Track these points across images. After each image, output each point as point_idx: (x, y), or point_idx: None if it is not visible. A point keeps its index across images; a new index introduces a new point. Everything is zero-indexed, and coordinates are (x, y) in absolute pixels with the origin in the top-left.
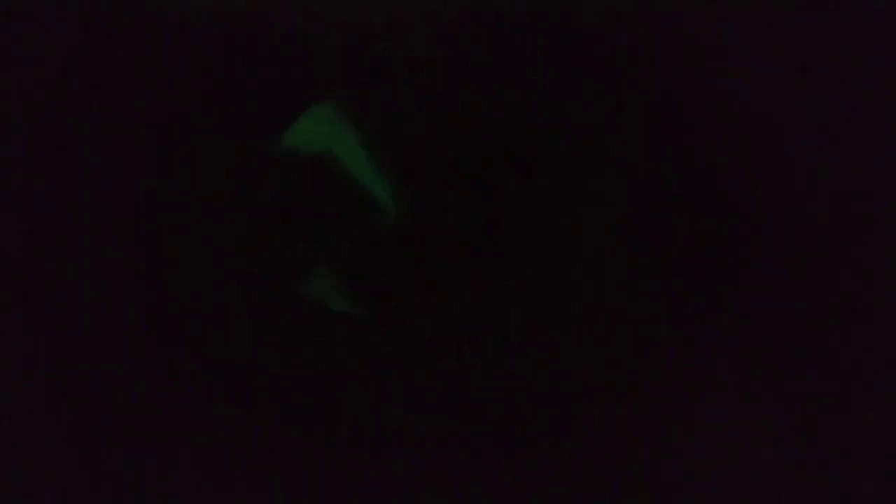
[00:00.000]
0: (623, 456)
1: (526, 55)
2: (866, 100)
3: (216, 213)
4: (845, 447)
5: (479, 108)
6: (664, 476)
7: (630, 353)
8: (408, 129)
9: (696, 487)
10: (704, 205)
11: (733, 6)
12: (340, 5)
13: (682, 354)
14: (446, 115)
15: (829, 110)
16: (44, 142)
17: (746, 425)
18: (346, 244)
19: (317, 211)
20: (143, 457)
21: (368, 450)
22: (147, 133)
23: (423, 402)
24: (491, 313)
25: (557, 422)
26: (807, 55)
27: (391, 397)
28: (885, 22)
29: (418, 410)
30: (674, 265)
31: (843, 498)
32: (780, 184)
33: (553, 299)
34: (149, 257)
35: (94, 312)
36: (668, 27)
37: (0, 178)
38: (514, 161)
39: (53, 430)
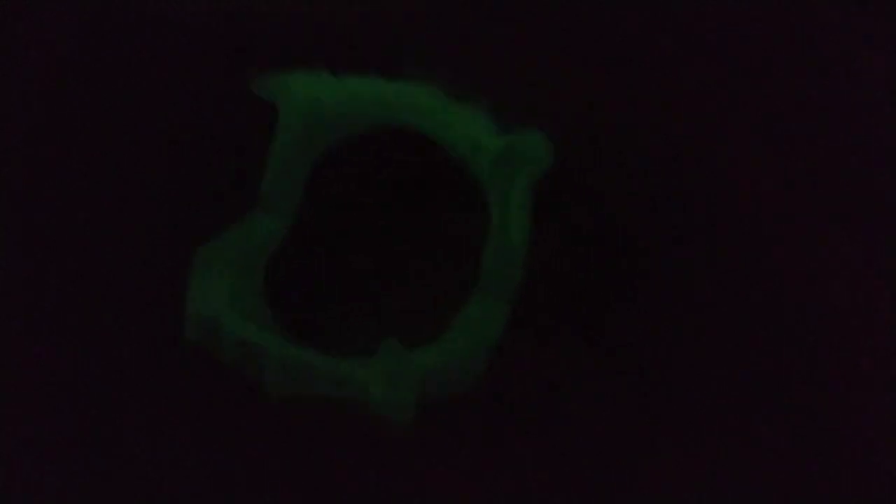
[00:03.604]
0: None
1: (526, 55)
2: (866, 100)
3: (217, 214)
4: (837, 452)
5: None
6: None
7: (624, 357)
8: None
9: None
10: (703, 204)
11: (733, 6)
12: (341, 5)
13: (682, 354)
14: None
15: (829, 110)
16: (44, 142)
17: (736, 434)
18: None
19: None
20: (143, 457)
21: (368, 450)
22: (148, 133)
23: (423, 403)
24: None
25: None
26: (807, 55)
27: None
28: (886, 21)
29: (419, 411)
30: (674, 264)
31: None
32: (779, 183)
33: (548, 299)
34: (149, 257)
35: (94, 312)
36: (669, 27)
37: (0, 177)
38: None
39: (53, 431)
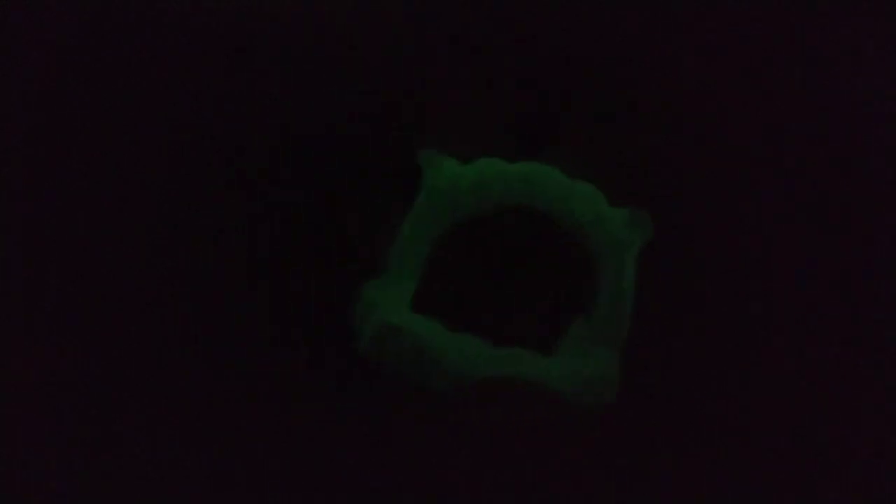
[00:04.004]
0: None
1: (527, 55)
2: (866, 99)
3: (217, 213)
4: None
5: (478, 105)
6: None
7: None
8: (406, 123)
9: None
10: (703, 204)
11: (733, 6)
12: (341, 5)
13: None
14: (445, 111)
15: (829, 110)
16: (44, 142)
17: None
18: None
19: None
20: (143, 457)
21: (366, 450)
22: (147, 133)
23: (426, 404)
24: (500, 314)
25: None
26: (807, 55)
27: (392, 398)
28: (886, 21)
29: (422, 412)
30: (674, 264)
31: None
32: (779, 183)
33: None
34: (149, 257)
35: (94, 312)
36: (669, 27)
37: (0, 178)
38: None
39: (53, 431)
